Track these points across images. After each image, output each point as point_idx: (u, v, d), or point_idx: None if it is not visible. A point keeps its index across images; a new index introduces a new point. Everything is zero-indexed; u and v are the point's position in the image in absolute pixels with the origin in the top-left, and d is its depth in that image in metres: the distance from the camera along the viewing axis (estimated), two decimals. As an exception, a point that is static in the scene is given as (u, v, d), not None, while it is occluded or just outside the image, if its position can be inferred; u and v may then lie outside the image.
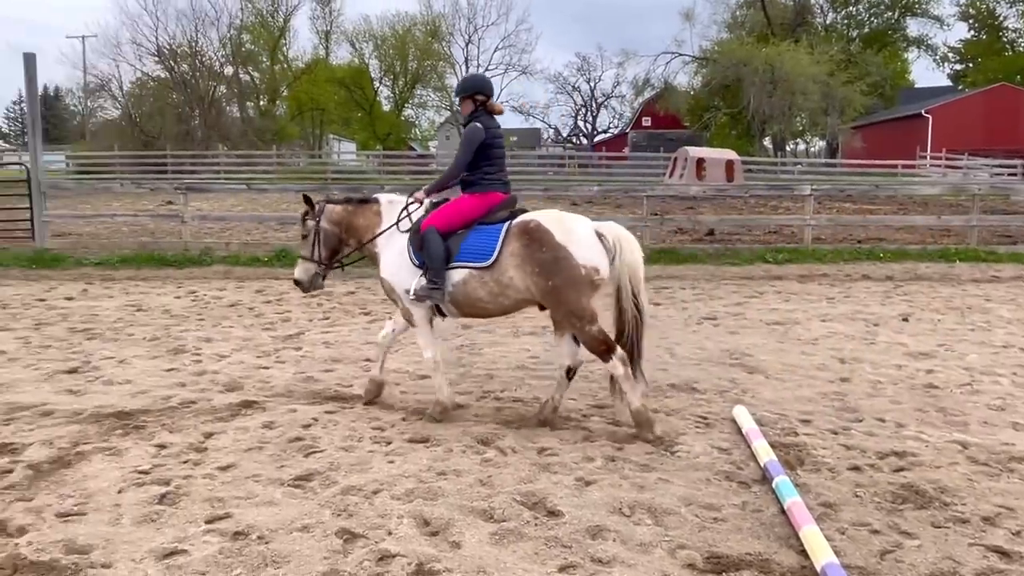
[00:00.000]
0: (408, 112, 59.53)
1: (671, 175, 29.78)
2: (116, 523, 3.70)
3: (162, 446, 4.73)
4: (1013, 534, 3.66)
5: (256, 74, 50.96)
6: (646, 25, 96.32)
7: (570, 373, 5.20)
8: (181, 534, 3.58)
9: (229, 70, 47.51)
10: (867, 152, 41.79)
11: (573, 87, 57.82)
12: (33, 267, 12.24)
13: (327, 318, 8.94)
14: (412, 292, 5.16)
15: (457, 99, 5.51)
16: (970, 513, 3.86)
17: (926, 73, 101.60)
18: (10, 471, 4.31)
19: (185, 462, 4.48)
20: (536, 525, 3.69)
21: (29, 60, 13.88)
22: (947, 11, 54.81)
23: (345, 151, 54.20)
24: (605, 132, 59.82)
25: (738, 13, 52.09)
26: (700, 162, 28.85)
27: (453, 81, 49.70)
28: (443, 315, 5.37)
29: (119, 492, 4.05)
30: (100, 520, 3.73)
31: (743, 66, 42.41)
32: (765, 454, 4.43)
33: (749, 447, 4.68)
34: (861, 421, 5.28)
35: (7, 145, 68.02)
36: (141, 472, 4.31)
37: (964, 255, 13.20)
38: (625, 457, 4.57)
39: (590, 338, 4.87)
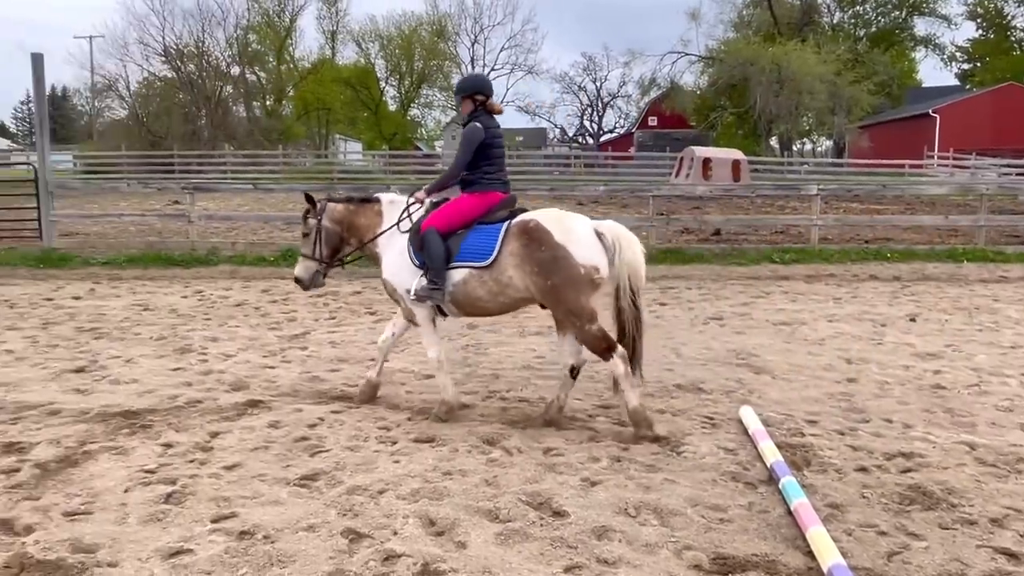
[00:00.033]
0: (414, 112, 59.64)
1: (677, 175, 29.72)
2: (122, 522, 3.71)
3: (168, 445, 4.74)
4: (1021, 536, 3.64)
5: (262, 74, 51.08)
6: (652, 25, 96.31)
7: (574, 372, 5.20)
8: (187, 533, 3.59)
9: (236, 70, 47.65)
10: (874, 152, 41.62)
11: (579, 87, 57.85)
12: (40, 266, 12.29)
13: (333, 318, 8.95)
14: (413, 292, 5.17)
15: (457, 99, 5.52)
16: (978, 515, 3.85)
17: (933, 72, 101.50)
18: (17, 470, 4.32)
19: (191, 461, 4.49)
20: (542, 525, 3.68)
21: (37, 60, 13.93)
22: (955, 10, 54.63)
23: (351, 151, 54.29)
24: (611, 132, 59.81)
25: (744, 12, 51.96)
26: (706, 162, 28.77)
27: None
28: (444, 314, 5.38)
29: (125, 491, 4.06)
30: (106, 519, 3.74)
31: (749, 65, 42.28)
32: (771, 455, 4.41)
33: (755, 448, 4.67)
34: (868, 422, 5.26)
35: (15, 145, 68.27)
36: (147, 471, 4.32)
37: (972, 255, 13.15)
38: (631, 457, 4.56)
39: (590, 337, 4.87)
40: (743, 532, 3.65)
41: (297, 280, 5.66)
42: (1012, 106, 42.98)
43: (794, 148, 51.09)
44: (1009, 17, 55.26)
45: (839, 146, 48.98)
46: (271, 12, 50.76)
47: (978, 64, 57.43)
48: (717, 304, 9.78)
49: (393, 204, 5.55)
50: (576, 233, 4.93)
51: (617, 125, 60.43)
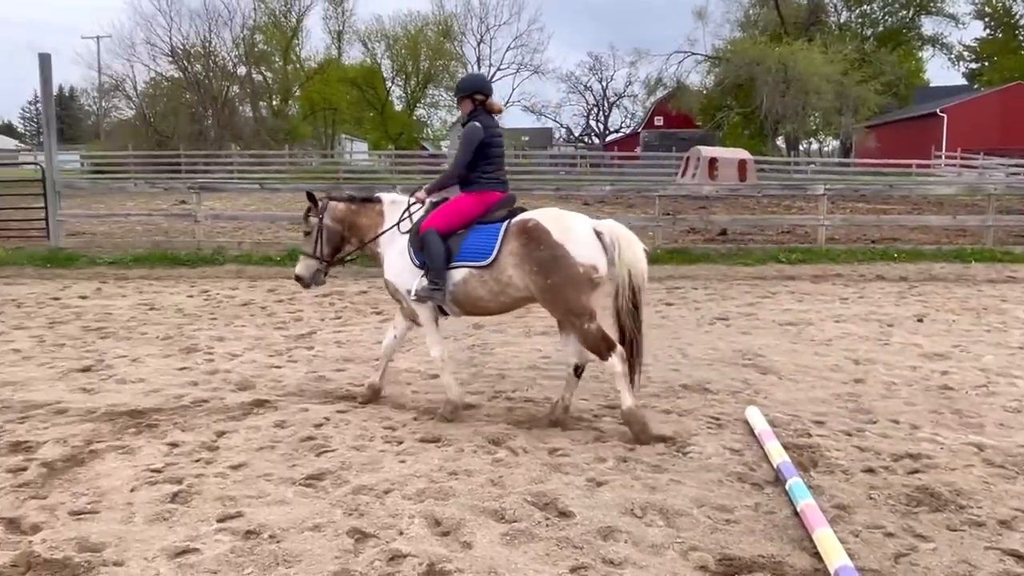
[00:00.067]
0: (420, 112, 59.69)
1: (683, 175, 29.69)
2: (128, 521, 3.72)
3: (174, 445, 4.75)
4: (1030, 538, 3.62)
5: (269, 74, 51.19)
6: (658, 24, 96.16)
7: (578, 371, 5.19)
8: (193, 533, 3.59)
9: (242, 70, 47.76)
10: (881, 152, 41.53)
11: (585, 86, 57.88)
12: (47, 266, 12.33)
13: (339, 317, 8.96)
14: (414, 293, 5.18)
15: (456, 99, 5.52)
16: (986, 516, 3.82)
17: (941, 72, 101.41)
18: (24, 469, 4.33)
19: (197, 461, 4.50)
20: (547, 526, 3.68)
21: (44, 61, 13.97)
22: (962, 9, 54.46)
23: (357, 151, 54.33)
24: (617, 132, 59.78)
25: (751, 12, 51.88)
26: (713, 162, 28.75)
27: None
28: (445, 314, 5.39)
29: (132, 490, 4.06)
30: (113, 518, 3.75)
31: (756, 65, 42.21)
32: (778, 455, 4.40)
33: (762, 448, 4.65)
34: (875, 423, 5.24)
35: (23, 145, 68.55)
36: (154, 470, 4.32)
37: (980, 255, 13.10)
38: (637, 458, 4.55)
39: (589, 336, 4.88)
40: (749, 533, 3.64)
41: (298, 278, 5.67)
42: (1020, 105, 42.80)
43: (801, 148, 50.96)
44: (1017, 16, 55.05)
45: (846, 146, 48.83)
46: (277, 12, 50.97)
47: (986, 63, 57.23)
48: (723, 304, 9.76)
49: (394, 204, 5.57)
50: (575, 232, 4.93)
51: (623, 125, 60.50)
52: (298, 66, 53.05)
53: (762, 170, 32.55)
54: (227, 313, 9.16)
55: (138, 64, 44.61)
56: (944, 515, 3.85)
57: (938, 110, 44.45)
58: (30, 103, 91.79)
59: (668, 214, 14.93)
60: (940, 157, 38.28)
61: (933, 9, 51.94)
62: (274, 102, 51.59)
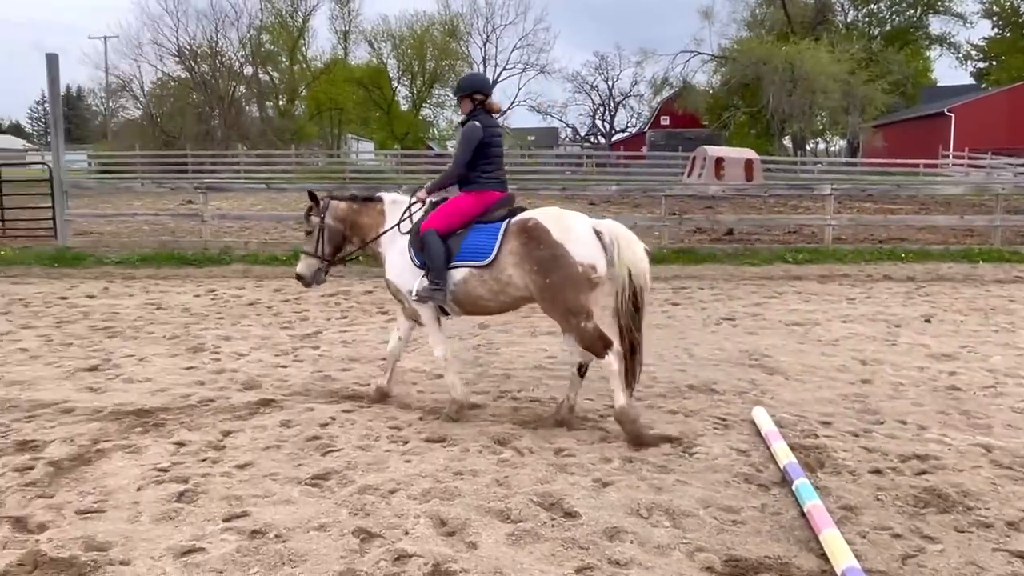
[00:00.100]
0: (426, 112, 59.61)
1: (690, 174, 29.63)
2: (135, 520, 3.72)
3: (181, 444, 4.76)
4: (1038, 539, 3.60)
5: (275, 74, 51.29)
6: (665, 24, 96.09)
7: (582, 370, 5.19)
8: (199, 532, 3.60)
9: (249, 70, 47.89)
10: (888, 151, 41.35)
11: (591, 86, 57.66)
12: (55, 265, 12.37)
13: (345, 317, 8.97)
14: (415, 293, 5.19)
15: (456, 98, 5.52)
16: (994, 518, 3.80)
17: (949, 71, 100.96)
18: (31, 468, 4.35)
19: (203, 460, 4.51)
20: (553, 526, 3.67)
21: (52, 61, 14.03)
22: (970, 8, 53.89)
23: (363, 151, 54.40)
24: (623, 131, 59.62)
25: (758, 11, 51.74)
26: (719, 161, 28.68)
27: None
28: (447, 313, 5.39)
29: (138, 490, 4.07)
30: (119, 517, 3.75)
31: (763, 65, 42.12)
32: (785, 456, 4.38)
33: (768, 449, 4.64)
34: (882, 423, 5.22)
35: (30, 145, 68.77)
36: (160, 470, 4.33)
37: (987, 255, 13.05)
38: (643, 458, 4.54)
39: (586, 335, 4.88)
40: (756, 534, 3.63)
41: (299, 277, 5.68)
42: (1028, 105, 42.60)
43: (807, 147, 50.85)
44: (1025, 15, 54.77)
45: (853, 145, 48.68)
46: (284, 12, 51.00)
47: (994, 63, 56.92)
48: (730, 304, 9.74)
49: (395, 204, 5.59)
50: (575, 232, 4.94)
51: (629, 124, 60.31)
52: (304, 66, 53.13)
53: (768, 170, 32.46)
54: (233, 313, 9.18)
55: (145, 64, 44.83)
56: (952, 516, 3.83)
57: (946, 110, 44.25)
58: (38, 103, 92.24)
59: (674, 214, 14.91)
60: (948, 157, 38.12)
61: (941, 8, 51.74)
62: (280, 102, 51.70)
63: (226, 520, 3.72)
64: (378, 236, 5.52)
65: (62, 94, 15.71)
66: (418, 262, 5.24)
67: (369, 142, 57.93)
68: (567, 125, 61.55)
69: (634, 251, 4.92)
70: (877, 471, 4.38)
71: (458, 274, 5.13)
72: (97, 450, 4.64)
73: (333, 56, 54.96)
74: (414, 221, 5.38)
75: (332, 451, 4.66)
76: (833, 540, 3.39)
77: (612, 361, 4.84)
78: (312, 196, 5.69)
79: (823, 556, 3.39)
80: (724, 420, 5.26)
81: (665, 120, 56.55)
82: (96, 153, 44.83)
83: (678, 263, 12.55)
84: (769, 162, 34.25)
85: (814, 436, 4.93)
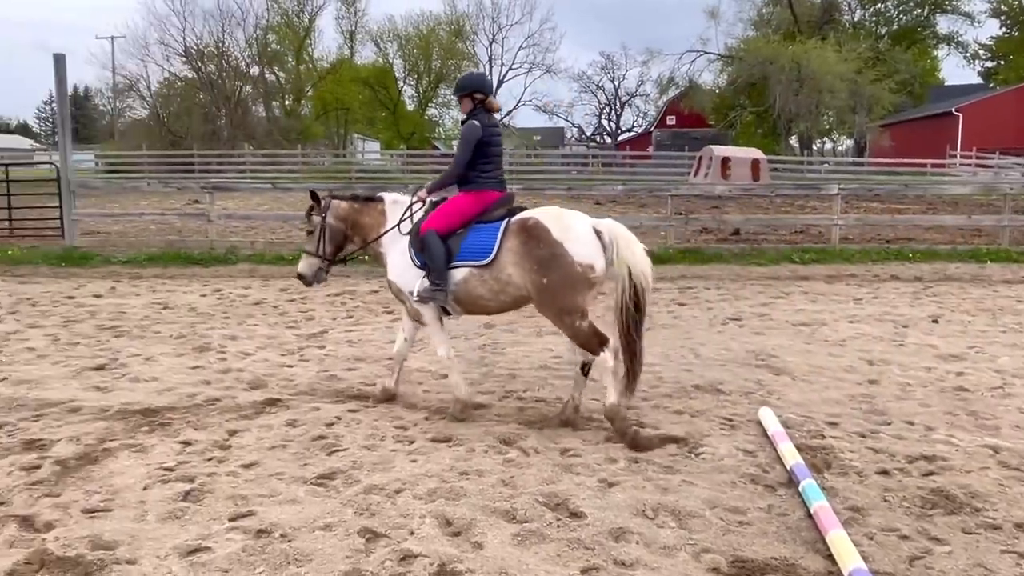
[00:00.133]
0: (432, 111, 59.69)
1: (696, 174, 29.59)
2: (141, 519, 3.73)
3: (187, 443, 4.77)
4: (1047, 541, 3.58)
5: (282, 74, 51.40)
6: (671, 23, 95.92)
7: (585, 369, 5.19)
8: (205, 531, 3.60)
9: (255, 70, 48.01)
10: (896, 151, 41.25)
11: (597, 86, 57.69)
12: (62, 265, 12.41)
13: (350, 317, 8.98)
14: (416, 294, 5.20)
15: (456, 97, 5.53)
16: (1002, 519, 3.79)
17: (956, 71, 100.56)
18: (38, 467, 4.36)
19: (209, 459, 4.51)
20: (559, 526, 3.67)
21: (59, 61, 14.08)
22: (978, 7, 53.80)
23: (369, 150, 54.45)
24: (629, 131, 59.59)
25: (764, 11, 51.64)
26: (725, 161, 28.65)
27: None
28: (448, 313, 5.40)
29: (144, 489, 4.08)
30: (125, 516, 3.76)
31: (769, 64, 42.02)
32: (791, 457, 4.37)
33: (775, 450, 4.62)
34: (890, 424, 5.20)
35: (38, 144, 69.11)
36: (166, 469, 4.34)
37: (995, 255, 12.99)
38: (648, 459, 4.53)
39: (580, 333, 4.90)
40: (762, 535, 3.61)
41: (300, 276, 5.69)
42: (1036, 104, 42.40)
43: (814, 147, 50.70)
44: (1034, 14, 54.51)
45: (860, 145, 48.54)
46: (290, 12, 51.13)
47: (1001, 62, 56.67)
48: (736, 304, 9.71)
49: (396, 204, 5.60)
50: (575, 231, 4.94)
51: (635, 124, 60.28)
52: (311, 66, 53.22)
53: (775, 169, 32.40)
54: (240, 312, 9.20)
55: (152, 64, 45.01)
56: (959, 518, 3.81)
57: (953, 109, 44.07)
58: (45, 103, 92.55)
59: (680, 214, 14.88)
60: (955, 156, 37.97)
61: (948, 7, 51.52)
62: (287, 102, 51.81)
63: (232, 519, 3.72)
64: (379, 236, 5.53)
65: (69, 94, 15.77)
66: (419, 262, 5.25)
67: (375, 142, 57.99)
68: (573, 125, 61.63)
69: (633, 251, 4.92)
70: (884, 472, 4.36)
71: (458, 274, 5.14)
72: (104, 449, 4.65)
73: (339, 56, 55.11)
74: (414, 221, 5.39)
75: (338, 451, 4.66)
76: (840, 541, 3.38)
77: (607, 358, 4.86)
78: (314, 195, 5.70)
79: (830, 557, 3.38)
80: (730, 420, 5.24)
81: (671, 120, 56.47)
82: (103, 153, 45.03)
83: (684, 263, 12.53)
84: (776, 162, 34.18)
85: (821, 437, 4.92)
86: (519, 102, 59.75)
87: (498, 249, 5.02)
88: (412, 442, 4.81)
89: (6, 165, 17.59)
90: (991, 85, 52.87)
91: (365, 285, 10.90)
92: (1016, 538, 3.61)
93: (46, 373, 6.38)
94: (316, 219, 5.63)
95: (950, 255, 13.04)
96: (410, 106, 58.82)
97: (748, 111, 46.54)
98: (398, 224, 5.45)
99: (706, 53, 48.32)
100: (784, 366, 6.70)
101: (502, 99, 54.65)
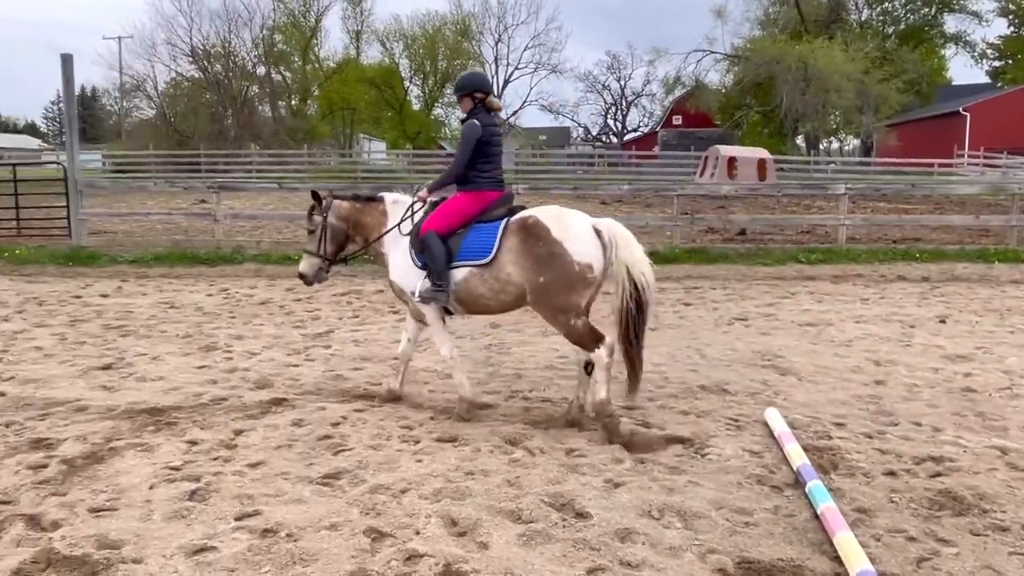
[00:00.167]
0: (438, 111, 59.67)
1: (702, 174, 29.55)
2: (147, 519, 3.74)
3: (193, 443, 4.77)
4: (1056, 543, 3.56)
5: (288, 74, 51.50)
6: (677, 23, 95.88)
7: (588, 368, 5.18)
8: (211, 531, 3.61)
9: (261, 70, 48.13)
10: (903, 151, 41.09)
11: (603, 85, 57.55)
12: (69, 264, 12.45)
13: (357, 316, 8.98)
14: (418, 294, 5.20)
15: (456, 97, 5.53)
16: (1010, 521, 3.77)
17: (964, 70, 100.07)
18: (45, 466, 4.37)
19: (215, 459, 4.52)
20: (564, 527, 3.66)
21: (66, 61, 14.11)
22: (986, 7, 53.42)
23: (375, 150, 54.52)
24: (635, 131, 59.47)
25: (771, 10, 51.51)
26: (731, 161, 28.60)
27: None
28: (450, 313, 5.40)
29: (150, 488, 4.09)
30: (132, 515, 3.77)
31: (776, 64, 41.94)
32: (798, 458, 4.35)
33: (781, 450, 4.61)
34: (897, 425, 5.18)
35: (45, 144, 69.35)
36: (172, 468, 4.35)
37: (1003, 256, 12.94)
38: (654, 459, 4.52)
39: (575, 332, 4.93)
40: (769, 536, 3.60)
41: (301, 275, 5.71)
42: (1045, 104, 42.21)
43: (821, 147, 50.57)
44: (1042, 13, 54.24)
45: (867, 145, 48.39)
46: (296, 12, 51.21)
47: (1010, 61, 56.43)
48: (742, 304, 9.69)
49: (397, 204, 5.61)
50: (574, 230, 4.95)
51: (641, 124, 60.14)
52: (317, 66, 53.30)
53: (782, 169, 32.32)
54: (246, 312, 9.21)
55: (159, 64, 45.19)
56: (967, 519, 3.79)
57: (961, 109, 43.93)
58: (53, 103, 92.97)
59: (686, 213, 14.85)
60: (963, 156, 37.84)
61: (956, 6, 51.31)
62: (293, 102, 51.92)
63: (238, 519, 3.73)
64: (380, 236, 5.54)
65: (77, 94, 15.81)
66: (419, 263, 5.26)
67: (381, 142, 58.07)
68: (579, 125, 61.50)
69: (632, 251, 4.92)
70: (891, 473, 4.34)
71: (459, 274, 5.15)
72: (110, 448, 4.66)
73: (345, 56, 55.14)
74: (415, 222, 5.39)
75: (343, 450, 4.66)
76: (847, 543, 3.36)
77: (602, 355, 4.88)
78: (315, 195, 5.72)
79: (837, 559, 3.36)
80: (736, 421, 5.23)
81: (677, 119, 56.37)
82: (110, 153, 45.21)
83: (690, 263, 12.51)
84: (782, 161, 34.10)
85: (827, 437, 4.90)
86: (525, 102, 59.82)
87: (498, 248, 5.02)
88: (418, 442, 4.81)
89: (14, 165, 17.66)
90: (999, 84, 52.67)
91: (371, 285, 10.90)
92: (1024, 540, 3.59)
93: (53, 372, 6.40)
94: (317, 219, 5.64)
95: (958, 255, 12.99)
96: (416, 106, 58.87)
97: (754, 111, 46.46)
98: (398, 224, 5.46)
99: (712, 53, 48.30)
100: (790, 366, 6.68)
101: (508, 99, 54.75)
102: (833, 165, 38.48)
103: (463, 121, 5.43)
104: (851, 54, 41.20)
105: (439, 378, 6.33)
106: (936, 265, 12.38)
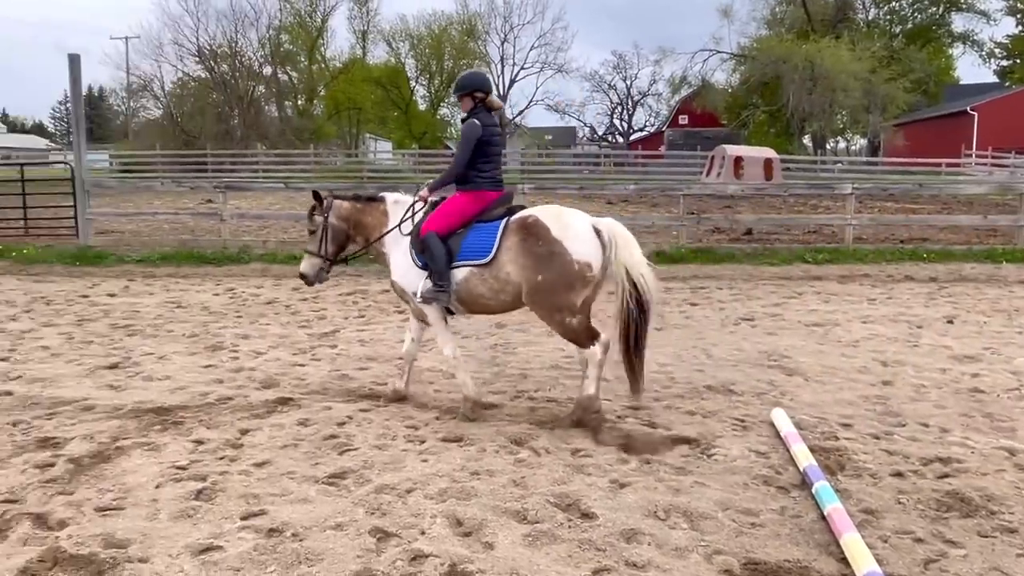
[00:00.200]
0: (444, 111, 59.73)
1: (708, 174, 29.50)
2: (153, 518, 3.74)
3: (199, 442, 4.78)
4: (1064, 545, 3.54)
5: (294, 74, 51.62)
6: (683, 22, 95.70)
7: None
8: (217, 530, 3.61)
9: (268, 70, 48.27)
10: (910, 150, 40.98)
11: (609, 85, 57.54)
12: (77, 264, 12.49)
13: (362, 316, 8.99)
14: (419, 295, 5.21)
15: (457, 96, 5.53)
16: (1018, 522, 3.74)
17: (972, 69, 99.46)
18: (52, 465, 4.38)
19: (221, 458, 4.53)
20: (570, 527, 3.66)
21: (74, 61, 14.16)
22: (994, 5, 53.23)
23: (381, 150, 54.56)
24: (641, 130, 59.44)
25: (777, 9, 51.41)
26: (738, 160, 28.54)
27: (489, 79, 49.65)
28: (452, 312, 5.41)
29: (157, 487, 4.10)
30: (138, 515, 3.77)
31: (782, 63, 41.84)
32: (804, 458, 4.34)
33: (788, 451, 4.59)
34: (904, 426, 5.15)
35: (53, 144, 69.62)
36: (178, 468, 4.36)
37: (1011, 256, 12.87)
38: (660, 460, 4.51)
39: (569, 330, 4.95)
40: (775, 537, 3.59)
41: (302, 276, 5.73)
42: (1053, 104, 42.00)
43: (828, 147, 50.40)
44: (1050, 12, 53.96)
45: (874, 144, 48.25)
46: (303, 12, 51.33)
47: (1018, 61, 56.12)
48: (748, 304, 9.67)
49: (398, 204, 5.62)
50: (574, 229, 4.96)
51: (647, 124, 60.11)
52: (323, 66, 53.39)
53: (788, 169, 32.25)
54: (252, 311, 9.23)
55: (165, 64, 45.39)
56: (975, 521, 3.77)
57: (968, 108, 43.75)
58: (60, 103, 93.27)
59: (693, 213, 14.83)
60: (970, 156, 37.69)
61: (964, 5, 51.07)
62: (299, 102, 52.01)
63: (243, 518, 3.73)
64: (381, 236, 5.54)
65: (84, 94, 15.86)
66: (420, 263, 5.27)
67: (387, 142, 58.11)
68: (585, 124, 61.48)
69: (631, 252, 4.93)
70: (899, 474, 4.32)
71: (460, 273, 5.16)
72: (117, 447, 4.67)
73: (351, 56, 55.25)
74: (415, 222, 5.40)
75: (349, 450, 4.66)
76: (854, 544, 3.35)
77: (596, 352, 4.92)
78: (316, 195, 5.73)
79: (843, 560, 3.35)
80: (743, 421, 5.21)
81: (684, 119, 56.29)
82: (117, 152, 45.37)
83: (696, 263, 12.48)
84: (789, 161, 34.02)
85: (834, 438, 4.88)
86: (531, 101, 60.01)
87: (498, 248, 5.03)
88: (423, 442, 4.81)
89: (21, 165, 17.74)
90: (1007, 84, 52.41)
91: (377, 284, 10.91)
92: (1033, 542, 3.57)
93: (60, 371, 6.42)
94: (318, 219, 5.65)
95: (965, 255, 12.93)
96: (422, 106, 58.93)
97: (761, 110, 46.34)
98: (399, 225, 5.46)
99: (719, 52, 48.21)
100: (797, 367, 6.66)
101: (514, 99, 54.76)
102: (840, 165, 38.37)
103: (463, 120, 5.44)
104: (858, 53, 41.08)
105: (444, 378, 6.33)
106: (944, 265, 12.33)
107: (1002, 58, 57.40)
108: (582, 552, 3.42)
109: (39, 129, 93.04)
